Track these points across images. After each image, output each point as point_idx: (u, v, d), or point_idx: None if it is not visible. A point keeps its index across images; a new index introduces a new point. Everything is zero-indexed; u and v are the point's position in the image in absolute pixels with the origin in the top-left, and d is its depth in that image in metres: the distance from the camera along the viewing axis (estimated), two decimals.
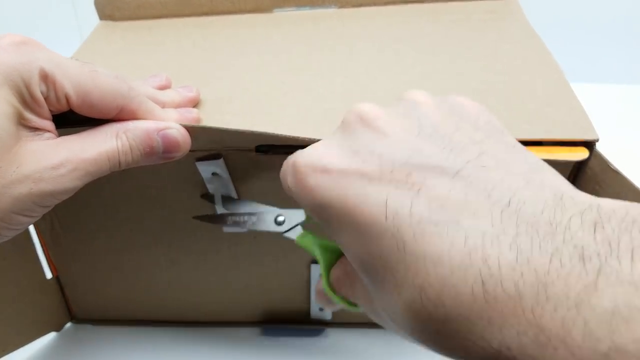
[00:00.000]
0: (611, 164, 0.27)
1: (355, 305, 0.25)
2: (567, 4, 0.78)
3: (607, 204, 0.16)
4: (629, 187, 0.26)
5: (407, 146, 0.20)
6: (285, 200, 0.35)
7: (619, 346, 0.13)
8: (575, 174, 0.31)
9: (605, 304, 0.14)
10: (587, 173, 0.30)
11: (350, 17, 0.46)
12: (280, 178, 0.24)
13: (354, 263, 0.20)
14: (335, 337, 0.45)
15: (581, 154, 0.29)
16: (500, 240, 0.16)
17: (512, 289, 0.15)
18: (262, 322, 0.45)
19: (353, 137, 0.21)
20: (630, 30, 0.78)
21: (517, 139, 0.31)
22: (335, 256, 0.27)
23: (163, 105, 0.31)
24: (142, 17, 0.48)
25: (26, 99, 0.25)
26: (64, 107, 0.26)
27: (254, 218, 0.32)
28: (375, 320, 0.23)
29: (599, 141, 0.30)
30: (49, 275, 0.42)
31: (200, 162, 0.33)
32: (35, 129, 0.26)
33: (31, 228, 0.40)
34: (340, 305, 0.26)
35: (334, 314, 0.44)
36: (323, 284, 0.26)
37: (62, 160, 0.25)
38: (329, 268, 0.26)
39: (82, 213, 0.38)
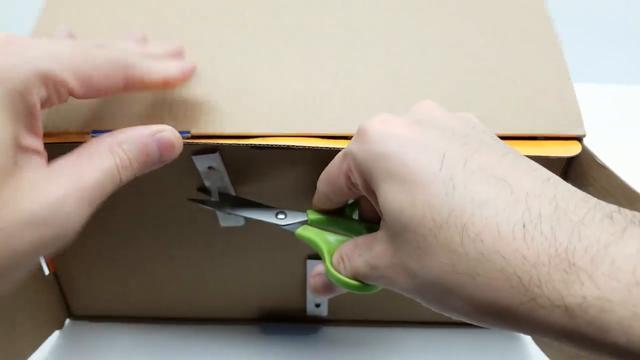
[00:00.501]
0: (598, 159, 0.28)
1: (359, 283, 0.25)
2: (567, 4, 0.77)
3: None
4: (617, 181, 0.26)
5: (464, 128, 0.23)
6: (282, 195, 0.35)
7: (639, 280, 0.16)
8: (566, 170, 0.31)
9: (630, 247, 0.16)
10: (577, 169, 0.30)
11: None
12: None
13: (391, 212, 0.21)
14: (330, 335, 0.45)
15: (574, 147, 0.29)
16: (541, 198, 0.19)
17: (549, 232, 0.17)
18: (258, 320, 0.46)
19: (414, 113, 0.24)
20: (630, 30, 0.78)
21: (509, 135, 0.30)
22: (337, 244, 0.27)
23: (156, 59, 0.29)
24: None
25: (21, 116, 0.22)
26: (65, 101, 0.25)
27: (253, 209, 0.33)
28: (388, 278, 0.22)
29: (599, 141, 0.30)
30: (46, 271, 0.42)
31: (197, 156, 0.33)
32: (29, 151, 0.23)
33: None
34: (340, 288, 0.26)
35: (329, 311, 0.44)
36: (327, 266, 0.26)
37: (64, 193, 0.23)
38: (331, 253, 0.27)
39: None
